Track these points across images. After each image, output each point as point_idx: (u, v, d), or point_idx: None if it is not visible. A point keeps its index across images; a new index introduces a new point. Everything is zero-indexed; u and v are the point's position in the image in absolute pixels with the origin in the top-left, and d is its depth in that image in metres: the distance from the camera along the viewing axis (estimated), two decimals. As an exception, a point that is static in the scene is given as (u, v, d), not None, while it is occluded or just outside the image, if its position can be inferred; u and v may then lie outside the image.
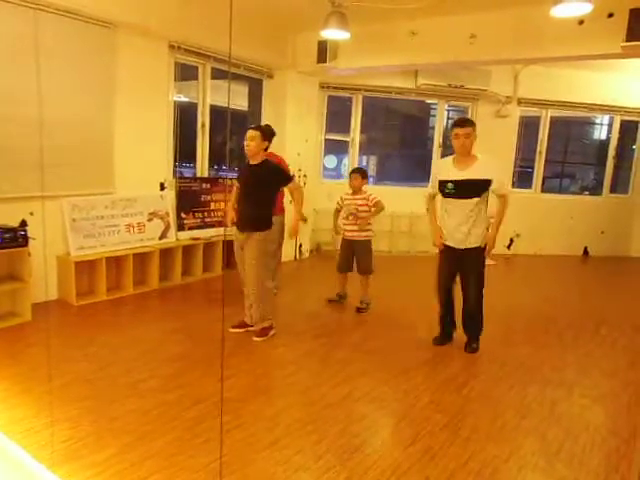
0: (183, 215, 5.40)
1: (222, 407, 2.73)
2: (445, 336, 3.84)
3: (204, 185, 5.60)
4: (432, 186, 3.77)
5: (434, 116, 7.73)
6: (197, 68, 5.57)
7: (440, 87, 6.99)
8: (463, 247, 3.56)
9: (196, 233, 5.46)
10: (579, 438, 2.63)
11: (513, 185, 7.60)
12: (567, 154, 8.64)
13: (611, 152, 7.92)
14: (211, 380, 3.05)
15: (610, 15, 4.32)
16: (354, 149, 7.35)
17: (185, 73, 5.53)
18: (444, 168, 3.63)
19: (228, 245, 5.69)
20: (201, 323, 4.06)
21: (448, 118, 7.88)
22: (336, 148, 7.66)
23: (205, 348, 3.55)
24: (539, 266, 7.22)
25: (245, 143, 3.64)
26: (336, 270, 4.68)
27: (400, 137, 9.08)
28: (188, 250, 5.32)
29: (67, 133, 4.30)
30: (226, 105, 6.04)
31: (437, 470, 2.29)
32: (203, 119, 5.69)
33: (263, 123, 6.46)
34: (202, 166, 5.80)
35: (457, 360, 3.60)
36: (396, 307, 4.72)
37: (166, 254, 5.11)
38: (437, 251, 3.78)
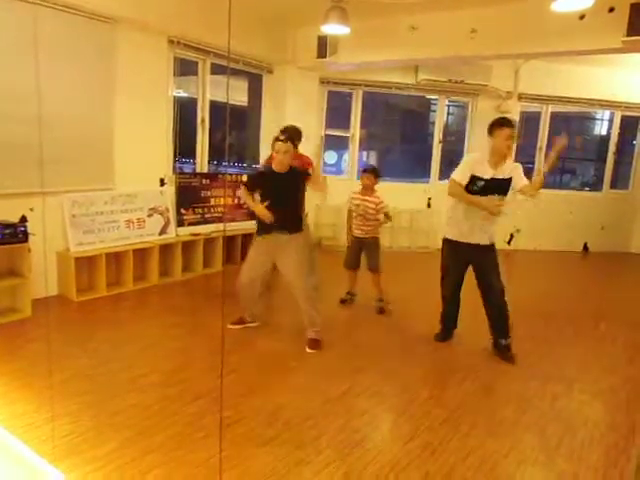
0: (183, 211, 5.39)
1: (222, 402, 2.74)
2: (447, 332, 3.84)
3: (204, 181, 5.60)
4: (462, 178, 3.52)
5: (434, 111, 7.71)
6: (197, 63, 5.55)
7: (440, 82, 6.96)
8: (483, 243, 3.53)
9: (196, 229, 5.46)
10: (578, 433, 2.64)
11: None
12: (567, 149, 8.61)
13: (611, 147, 7.90)
14: (211, 375, 3.05)
15: (611, 10, 4.31)
16: (354, 145, 7.33)
17: (184, 68, 5.52)
18: (480, 164, 3.50)
19: (228, 241, 5.70)
20: (201, 319, 4.07)
21: (448, 113, 7.87)
22: (336, 143, 7.65)
23: (205, 344, 3.56)
24: (539, 262, 7.22)
25: (278, 157, 3.47)
26: (343, 266, 4.59)
27: (400, 133, 9.06)
28: (188, 246, 5.32)
29: (67, 129, 4.29)
30: (226, 100, 6.03)
31: (437, 465, 2.29)
32: (203, 114, 5.68)
33: (263, 119, 6.48)
34: (202, 162, 5.79)
35: (457, 355, 3.60)
36: (396, 302, 4.71)
37: (166, 250, 5.11)
38: (440, 246, 3.76)
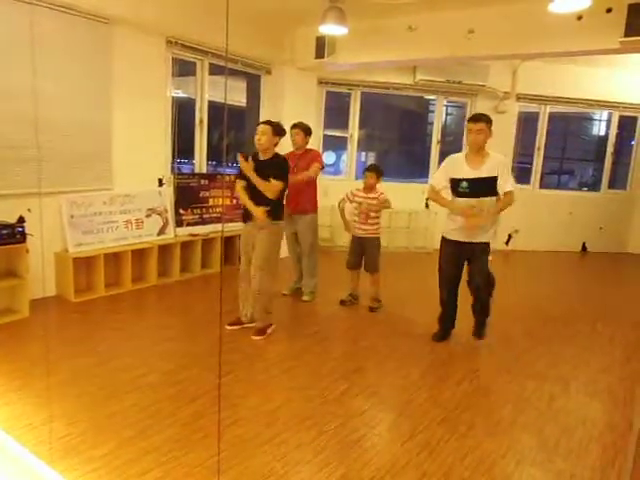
0: (181, 211, 5.39)
1: (220, 403, 2.74)
2: (444, 332, 3.84)
3: (202, 181, 5.60)
4: (438, 182, 3.62)
5: (432, 112, 7.72)
6: (195, 64, 5.55)
7: (438, 83, 6.97)
8: (473, 240, 3.49)
9: (194, 229, 5.46)
10: (576, 433, 2.64)
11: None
12: (566, 150, 8.64)
13: (610, 148, 7.92)
14: (210, 376, 3.05)
15: (609, 10, 4.31)
16: (352, 145, 7.34)
17: (183, 69, 5.51)
18: (456, 165, 3.52)
19: (227, 241, 5.70)
20: (200, 319, 4.07)
21: (447, 114, 7.88)
22: (335, 144, 7.65)
23: (204, 344, 3.55)
24: (537, 262, 7.23)
25: (257, 137, 3.60)
26: (346, 267, 4.60)
27: (398, 133, 9.06)
28: (186, 246, 5.31)
29: (64, 129, 4.29)
30: (224, 101, 6.02)
31: (435, 465, 2.30)
32: (201, 115, 5.67)
33: (262, 119, 6.49)
34: (200, 162, 5.79)
35: (455, 355, 3.60)
36: (394, 303, 4.72)
37: (164, 250, 5.10)
38: (438, 247, 3.74)
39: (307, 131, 4.55)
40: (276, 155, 3.68)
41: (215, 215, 5.71)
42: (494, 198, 3.44)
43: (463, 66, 6.75)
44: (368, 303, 4.50)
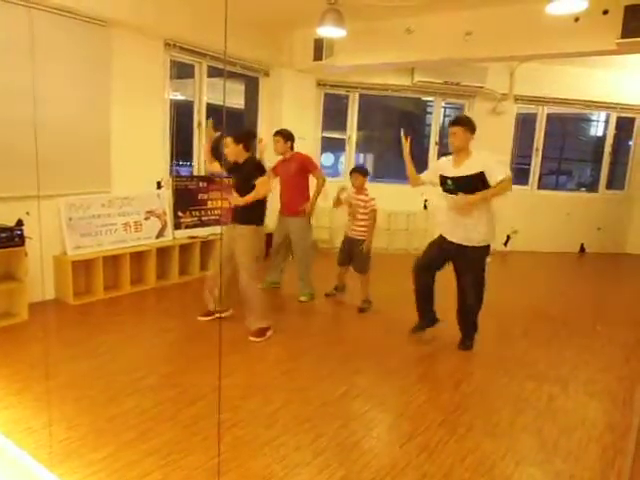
0: (180, 214, 5.39)
1: (220, 405, 2.74)
2: (425, 324, 3.86)
3: (201, 184, 5.60)
4: (427, 175, 3.82)
5: (430, 113, 7.73)
6: (193, 66, 5.56)
7: (436, 84, 6.99)
8: (464, 244, 3.52)
9: (193, 232, 5.46)
10: (575, 433, 2.64)
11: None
12: (563, 151, 8.65)
13: (607, 148, 7.94)
14: (209, 378, 3.05)
15: (605, 12, 4.34)
16: (351, 147, 7.35)
17: (181, 71, 5.52)
18: (445, 165, 3.64)
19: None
20: (199, 321, 4.06)
21: (445, 115, 7.88)
22: (333, 146, 7.66)
23: (203, 346, 3.55)
24: (536, 263, 7.24)
25: (225, 151, 3.78)
26: (337, 263, 4.70)
27: (397, 134, 9.04)
28: (185, 249, 5.31)
29: (63, 132, 4.29)
30: (222, 103, 6.03)
31: (434, 467, 2.30)
32: (199, 117, 5.68)
33: (260, 121, 6.50)
34: (199, 165, 5.79)
35: (454, 357, 3.61)
36: (393, 305, 4.72)
37: (163, 253, 5.10)
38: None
39: (287, 137, 4.56)
40: (250, 158, 3.81)
41: (214, 217, 5.72)
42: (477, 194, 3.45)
43: (461, 68, 6.76)
44: (358, 304, 4.52)
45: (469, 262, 3.57)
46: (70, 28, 4.21)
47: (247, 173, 3.73)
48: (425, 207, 7.24)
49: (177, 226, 5.34)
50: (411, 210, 7.22)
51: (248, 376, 3.14)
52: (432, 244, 3.75)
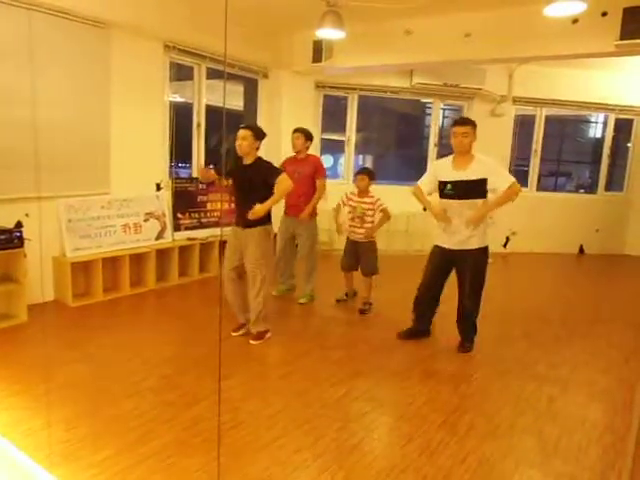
0: (179, 215, 5.39)
1: (220, 407, 2.74)
2: (413, 332, 3.85)
3: (200, 185, 5.60)
4: (425, 183, 3.72)
5: (429, 115, 7.74)
6: (192, 68, 5.56)
7: (435, 86, 6.99)
8: (462, 248, 3.52)
9: (192, 233, 5.46)
10: (575, 434, 2.64)
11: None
12: (562, 152, 8.67)
13: (606, 150, 7.96)
14: (208, 380, 3.05)
15: (604, 14, 4.35)
16: (350, 148, 7.35)
17: (180, 73, 5.52)
18: (443, 168, 3.58)
19: (225, 245, 5.68)
20: (198, 323, 4.06)
21: (444, 117, 7.90)
22: (332, 148, 7.67)
23: (202, 348, 3.55)
24: (535, 264, 7.24)
25: (237, 142, 3.58)
26: (340, 269, 4.63)
27: (396, 136, 9.08)
28: (184, 250, 5.31)
29: (62, 134, 4.29)
30: (222, 105, 6.04)
31: (434, 468, 2.29)
32: (199, 119, 5.68)
33: (259, 123, 6.50)
34: (198, 166, 5.79)
35: (453, 358, 3.60)
36: (393, 306, 4.72)
37: (162, 255, 5.10)
38: (431, 247, 3.76)
39: (308, 136, 4.59)
40: (259, 159, 3.66)
41: (213, 219, 5.71)
42: (479, 201, 3.45)
43: (460, 69, 6.77)
44: (359, 306, 4.52)
45: (472, 266, 3.55)
46: (70, 30, 4.21)
47: (258, 175, 3.58)
48: (425, 209, 7.23)
49: (176, 228, 5.34)
50: (410, 211, 7.21)
51: (248, 378, 3.13)
52: (431, 268, 3.70)
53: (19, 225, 3.91)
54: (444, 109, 7.81)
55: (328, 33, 4.75)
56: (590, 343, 4.07)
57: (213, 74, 5.70)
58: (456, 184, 3.45)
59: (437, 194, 3.67)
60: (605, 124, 7.99)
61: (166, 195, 5.29)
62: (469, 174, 3.41)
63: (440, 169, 3.63)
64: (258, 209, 3.51)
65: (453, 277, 3.72)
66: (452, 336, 3.85)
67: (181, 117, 5.52)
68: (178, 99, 5.83)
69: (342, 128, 7.31)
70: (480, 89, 7.00)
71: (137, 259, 4.86)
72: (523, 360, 3.61)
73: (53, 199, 4.28)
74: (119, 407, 2.70)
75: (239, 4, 4.91)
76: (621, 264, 7.61)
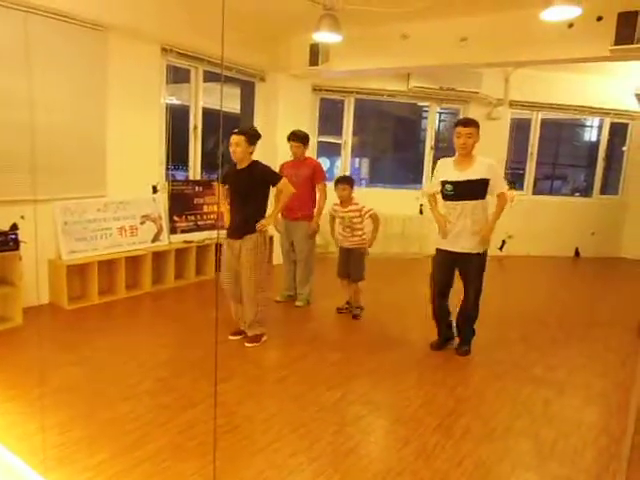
0: (176, 218, 5.38)
1: (216, 411, 2.73)
2: (441, 341, 3.81)
3: (197, 188, 5.60)
4: (431, 185, 3.74)
5: (426, 118, 7.77)
6: (189, 71, 5.56)
7: (432, 90, 7.02)
8: (463, 251, 3.52)
9: (189, 236, 5.45)
10: (571, 437, 2.65)
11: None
12: (558, 156, 8.71)
13: (601, 154, 8.00)
14: (204, 384, 3.04)
15: (599, 18, 4.37)
16: (346, 151, 7.36)
17: (177, 76, 5.53)
18: (445, 168, 3.59)
19: (221, 248, 5.68)
20: (194, 326, 4.05)
21: (440, 120, 7.93)
22: (329, 150, 7.68)
23: (198, 351, 3.54)
24: (531, 267, 7.26)
25: (231, 149, 3.56)
26: (337, 276, 4.55)
27: (392, 139, 9.12)
28: (181, 253, 5.30)
29: (59, 136, 4.28)
30: (218, 108, 6.04)
31: (430, 471, 2.29)
32: (195, 122, 5.68)
33: (256, 126, 6.50)
34: (194, 169, 5.79)
35: (449, 362, 3.61)
36: (389, 310, 4.72)
37: (159, 257, 5.09)
38: (432, 252, 3.77)
39: (305, 141, 4.59)
40: (254, 162, 3.60)
41: (209, 222, 5.71)
42: (479, 202, 3.46)
43: (456, 73, 6.80)
44: (352, 310, 4.48)
45: (474, 269, 3.56)
46: (67, 33, 4.21)
47: (254, 178, 3.56)
48: (421, 212, 7.25)
49: (173, 230, 5.33)
50: (407, 214, 7.24)
51: (243, 382, 3.12)
52: (437, 271, 3.69)
53: (14, 227, 3.89)
54: (440, 113, 7.84)
55: (325, 37, 4.76)
56: (586, 346, 4.08)
57: (210, 77, 5.70)
58: (457, 184, 3.46)
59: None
60: (600, 128, 8.04)
61: (162, 198, 5.28)
62: (470, 174, 3.42)
63: (443, 168, 3.62)
64: (265, 223, 3.58)
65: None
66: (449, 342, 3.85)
67: (178, 120, 5.52)
68: (175, 102, 5.83)
69: (339, 131, 7.33)
70: (476, 93, 7.03)
71: (133, 262, 4.85)
72: (519, 363, 3.62)
73: (49, 201, 4.26)
74: (114, 410, 2.68)
75: (236, 7, 4.93)
76: (617, 267, 7.64)
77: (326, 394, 3.00)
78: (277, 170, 4.66)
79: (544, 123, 7.77)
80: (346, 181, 4.26)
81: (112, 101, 4.66)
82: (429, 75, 6.86)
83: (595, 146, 8.19)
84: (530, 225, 7.65)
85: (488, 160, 3.50)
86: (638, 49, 4.22)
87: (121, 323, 4.15)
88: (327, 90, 7.03)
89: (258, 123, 6.50)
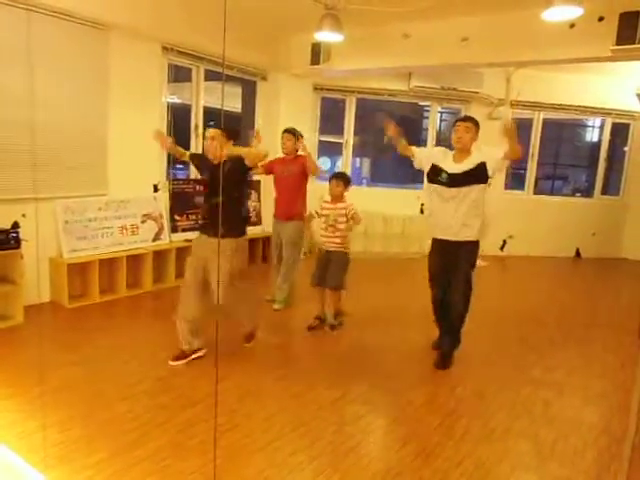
0: (177, 217, 5.38)
1: (217, 409, 2.73)
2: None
3: (197, 187, 5.59)
4: (419, 153, 3.67)
5: (427, 118, 7.77)
6: (190, 70, 5.56)
7: (433, 89, 7.02)
8: (456, 239, 3.37)
9: (190, 235, 5.44)
10: (571, 438, 2.65)
11: (505, 187, 7.59)
12: (559, 156, 8.70)
13: (602, 154, 7.98)
14: (203, 383, 3.04)
15: (601, 19, 4.37)
16: (347, 151, 7.36)
17: (179, 75, 5.53)
18: (443, 156, 3.48)
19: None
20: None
21: (441, 120, 7.93)
22: (330, 150, 7.68)
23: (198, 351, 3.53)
24: (531, 267, 7.25)
25: (206, 143, 3.24)
26: (310, 284, 4.11)
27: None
28: (182, 252, 5.28)
29: (60, 135, 4.29)
30: (220, 107, 6.04)
31: (430, 471, 2.29)
32: (197, 121, 5.68)
33: (257, 125, 6.51)
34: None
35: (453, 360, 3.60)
36: (389, 309, 4.72)
37: (159, 256, 5.09)
38: (428, 243, 3.65)
39: (297, 136, 4.50)
40: (228, 156, 3.21)
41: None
42: (474, 187, 3.33)
43: (457, 73, 6.80)
44: (328, 321, 4.14)
45: (460, 258, 3.40)
46: (68, 31, 4.21)
47: (230, 169, 3.18)
48: (422, 211, 7.25)
49: (174, 229, 5.33)
50: (407, 214, 7.23)
51: (243, 381, 3.12)
52: (433, 262, 3.57)
53: (16, 226, 3.90)
54: (441, 112, 7.84)
55: (326, 36, 4.76)
56: (586, 347, 4.08)
57: (211, 76, 5.70)
58: (453, 176, 3.36)
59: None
60: (602, 128, 8.02)
61: (163, 196, 5.28)
62: (467, 165, 3.34)
63: (438, 155, 3.53)
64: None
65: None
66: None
67: (179, 118, 5.52)
68: (176, 100, 5.83)
69: (340, 130, 7.32)
70: (477, 93, 7.03)
71: (134, 261, 4.85)
72: (519, 364, 3.62)
73: (50, 200, 4.27)
74: (114, 409, 2.69)
75: (238, 6, 4.91)
76: (617, 268, 7.63)
77: (326, 393, 3.00)
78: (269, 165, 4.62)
79: (545, 123, 7.77)
80: (341, 177, 4.07)
81: (113, 100, 4.66)
82: (430, 75, 6.85)
83: (596, 146, 8.18)
84: (531, 225, 7.65)
85: (483, 148, 3.40)
86: (639, 49, 4.22)
87: (122, 322, 4.15)
88: (328, 89, 7.03)
89: (259, 122, 6.50)
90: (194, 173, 5.76)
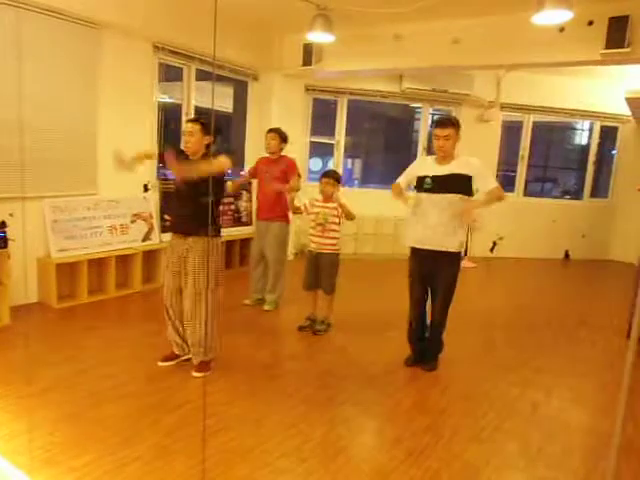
0: (167, 217, 5.35)
1: (205, 411, 2.71)
2: (418, 355, 3.51)
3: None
4: (403, 176, 3.48)
5: (418, 119, 7.79)
6: (182, 69, 5.54)
7: (424, 91, 7.05)
8: (438, 249, 3.22)
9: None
10: (559, 439, 2.66)
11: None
12: (549, 158, 8.77)
13: (591, 157, 8.07)
14: (193, 384, 3.02)
15: (590, 23, 4.41)
16: (339, 152, 7.37)
17: (170, 74, 5.50)
18: (424, 165, 3.40)
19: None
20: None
21: (432, 122, 7.95)
22: (321, 151, 7.68)
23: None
24: (521, 269, 7.31)
25: (184, 138, 3.17)
26: (302, 288, 4.09)
27: (385, 140, 9.13)
28: (172, 252, 5.27)
29: (49, 133, 4.25)
30: (211, 106, 6.01)
31: (420, 471, 2.30)
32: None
33: (249, 125, 6.49)
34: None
35: (440, 362, 3.61)
36: (379, 310, 4.73)
37: (149, 256, 5.06)
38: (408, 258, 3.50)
39: (283, 137, 4.45)
40: (205, 155, 3.15)
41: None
42: (457, 196, 3.17)
43: (448, 75, 6.83)
44: (316, 325, 4.08)
45: (444, 270, 3.27)
46: (59, 29, 4.18)
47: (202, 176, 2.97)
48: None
49: (164, 229, 5.30)
50: (398, 216, 7.24)
51: (233, 382, 3.11)
52: (413, 272, 3.41)
53: (3, 225, 3.85)
54: (433, 114, 7.86)
55: (318, 37, 4.77)
56: (575, 348, 4.11)
57: (203, 76, 5.68)
58: (436, 178, 3.22)
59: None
60: (591, 131, 8.11)
61: (153, 196, 5.25)
62: (453, 168, 3.20)
63: (420, 165, 3.45)
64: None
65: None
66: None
67: (170, 118, 5.49)
68: (167, 100, 5.80)
69: (331, 131, 7.33)
70: (468, 95, 7.07)
71: (123, 260, 4.82)
72: (508, 365, 3.63)
73: (39, 199, 4.22)
74: (102, 410, 2.66)
75: (229, 6, 4.91)
76: (606, 269, 7.70)
77: (315, 394, 2.99)
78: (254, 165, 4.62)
79: (535, 126, 7.83)
80: (331, 175, 3.89)
81: (103, 98, 4.63)
82: (422, 77, 6.88)
83: (586, 149, 8.26)
84: (520, 227, 7.70)
85: (472, 159, 3.27)
86: (628, 53, 4.27)
87: (110, 323, 4.12)
88: (320, 90, 7.03)
89: (251, 122, 6.49)
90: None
